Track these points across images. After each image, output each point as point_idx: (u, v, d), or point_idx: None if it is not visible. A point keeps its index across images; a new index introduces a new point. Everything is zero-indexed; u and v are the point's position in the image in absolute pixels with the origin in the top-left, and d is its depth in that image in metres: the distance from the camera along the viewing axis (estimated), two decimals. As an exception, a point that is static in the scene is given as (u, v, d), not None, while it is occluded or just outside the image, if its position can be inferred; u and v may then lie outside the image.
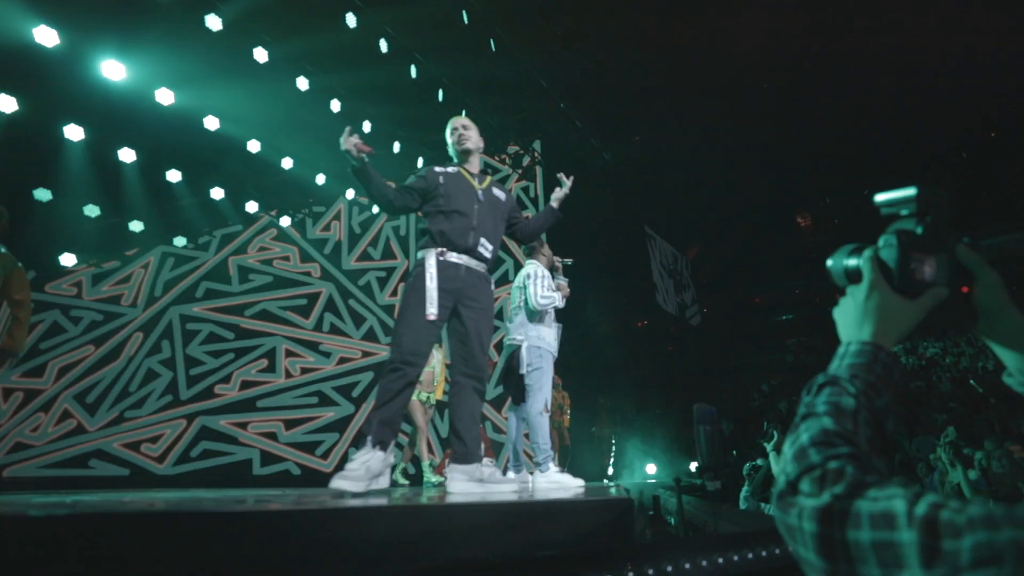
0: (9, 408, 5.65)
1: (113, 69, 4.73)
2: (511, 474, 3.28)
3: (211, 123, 5.51)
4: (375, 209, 7.02)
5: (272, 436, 6.21)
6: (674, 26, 8.52)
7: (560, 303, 3.27)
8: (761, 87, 10.22)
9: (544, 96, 6.82)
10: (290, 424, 6.25)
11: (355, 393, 6.51)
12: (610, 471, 7.79)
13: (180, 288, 6.52)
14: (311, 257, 6.95)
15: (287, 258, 6.91)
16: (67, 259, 6.02)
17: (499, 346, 4.96)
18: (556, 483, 2.90)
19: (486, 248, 2.28)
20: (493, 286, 2.33)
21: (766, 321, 15.40)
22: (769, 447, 3.30)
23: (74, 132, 5.17)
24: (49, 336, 5.96)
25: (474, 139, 2.48)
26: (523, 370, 3.14)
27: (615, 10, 7.82)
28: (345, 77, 5.66)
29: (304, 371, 6.50)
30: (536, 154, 7.53)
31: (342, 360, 6.61)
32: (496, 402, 6.61)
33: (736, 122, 10.27)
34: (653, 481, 6.85)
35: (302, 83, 5.47)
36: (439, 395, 4.80)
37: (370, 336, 6.77)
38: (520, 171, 7.55)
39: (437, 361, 4.76)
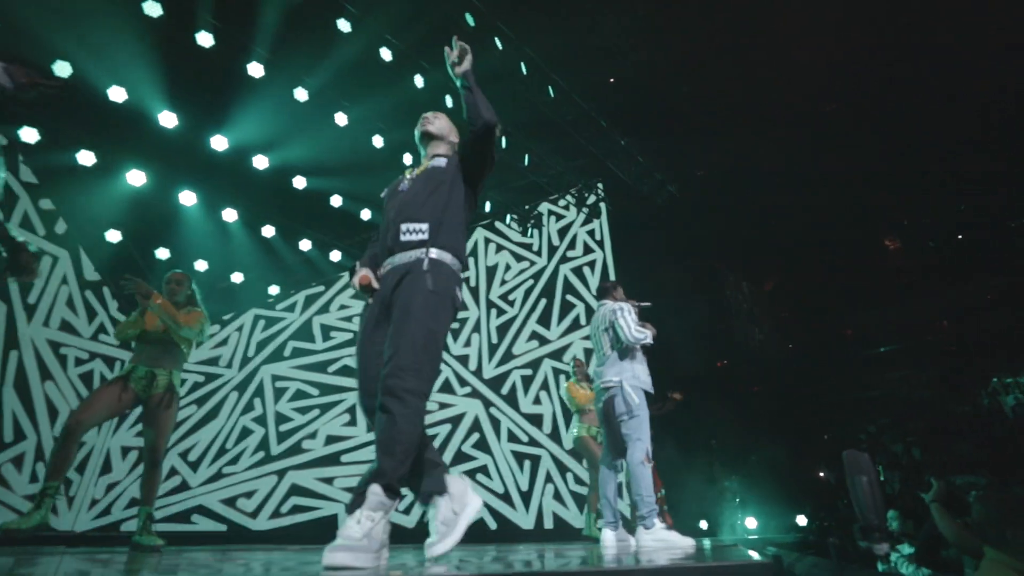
0: (126, 465, 6.11)
1: (219, 141, 5.39)
2: (607, 532, 3.06)
3: (299, 182, 6.08)
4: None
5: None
6: (733, 53, 8.44)
7: (650, 341, 3.15)
8: (831, 108, 9.83)
9: (604, 135, 6.91)
10: (373, 478, 6.33)
11: (434, 445, 6.52)
12: (703, 524, 7.23)
13: (270, 348, 6.93)
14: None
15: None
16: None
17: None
18: (663, 541, 2.68)
19: (410, 231, 1.82)
20: (427, 267, 1.76)
21: (860, 354, 14.15)
22: (928, 499, 2.80)
23: (187, 197, 5.84)
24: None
25: (438, 124, 2.20)
26: (633, 411, 2.98)
27: (670, 43, 7.88)
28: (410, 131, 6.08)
29: (384, 425, 6.62)
30: (599, 192, 7.56)
31: (420, 412, 6.69)
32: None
33: (808, 146, 9.87)
34: (754, 537, 6.27)
35: (378, 141, 5.97)
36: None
37: (446, 387, 6.83)
38: (586, 210, 7.57)
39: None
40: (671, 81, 8.37)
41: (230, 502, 6.18)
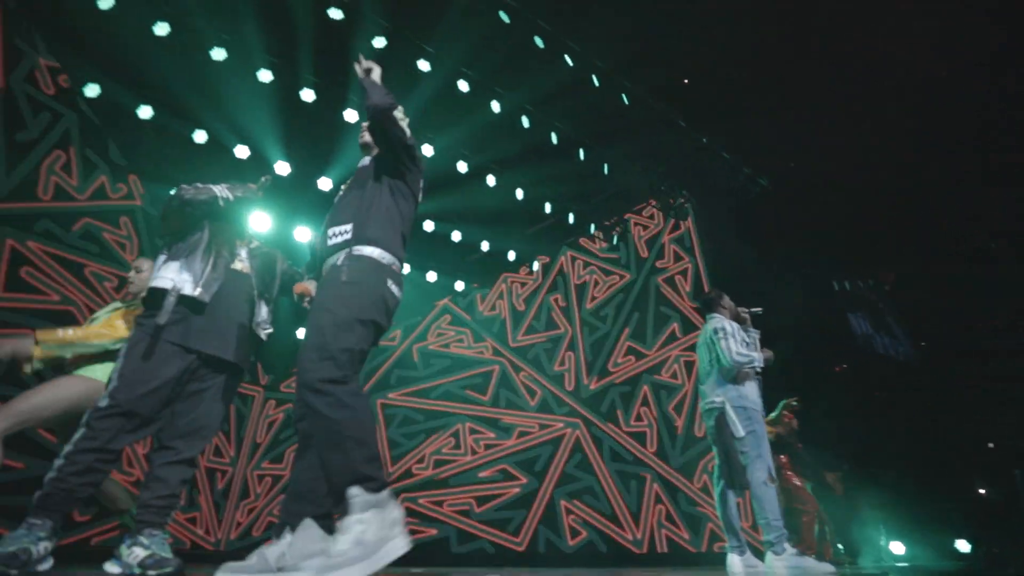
0: (263, 491, 6.73)
1: (324, 183, 6.04)
2: (734, 558, 2.88)
3: (428, 225, 6.77)
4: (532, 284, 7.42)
5: (465, 513, 6.44)
6: (817, 22, 7.83)
7: (760, 364, 2.96)
8: (943, 74, 8.77)
9: (684, 135, 6.70)
10: (481, 501, 6.46)
11: (536, 467, 6.54)
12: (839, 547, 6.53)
13: (378, 378, 7.37)
14: (482, 337, 7.42)
15: (461, 340, 7.46)
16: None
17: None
18: (798, 569, 2.47)
19: (335, 234, 1.86)
20: (342, 261, 1.76)
21: (1007, 350, 12.22)
22: None
23: (302, 233, 6.46)
24: (286, 427, 7.09)
25: (368, 136, 2.13)
26: (739, 434, 2.84)
27: (742, 31, 7.48)
28: (495, 153, 6.46)
29: (487, 447, 6.76)
30: (683, 195, 7.30)
31: (521, 434, 6.75)
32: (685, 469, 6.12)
33: (926, 116, 8.79)
34: (904, 564, 5.56)
35: (462, 166, 6.37)
36: None
37: (544, 408, 6.85)
38: (672, 215, 7.34)
39: None
40: (749, 71, 7.95)
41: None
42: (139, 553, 2.02)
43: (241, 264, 2.40)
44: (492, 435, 6.83)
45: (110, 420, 2.01)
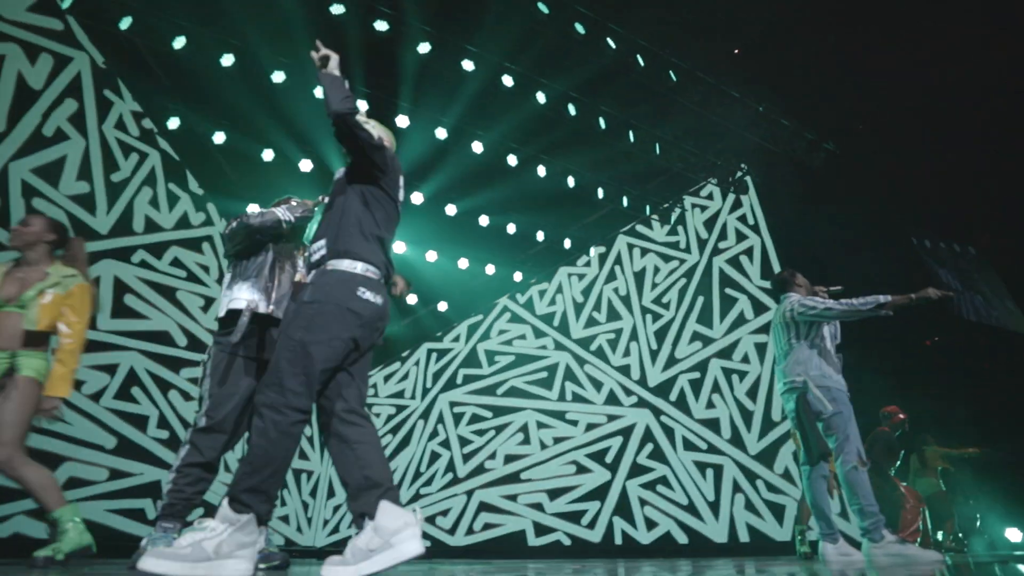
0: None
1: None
2: (827, 547, 2.74)
3: (483, 220, 7.01)
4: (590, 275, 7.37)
5: (539, 507, 6.50)
6: None
7: (833, 307, 2.80)
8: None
9: (738, 106, 6.41)
10: (554, 494, 6.49)
11: (608, 459, 6.50)
12: (938, 536, 6.07)
13: (444, 377, 7.57)
14: (543, 332, 7.44)
15: (523, 336, 7.52)
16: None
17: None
18: (900, 556, 2.33)
19: (314, 252, 1.86)
20: (311, 279, 1.78)
21: None
22: None
23: None
24: (361, 430, 7.42)
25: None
26: (826, 412, 2.70)
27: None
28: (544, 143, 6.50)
29: (556, 441, 6.78)
30: (743, 168, 6.99)
31: (589, 427, 6.73)
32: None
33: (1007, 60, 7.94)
34: (1022, 552, 5.09)
35: (512, 159, 6.55)
36: None
37: (611, 400, 6.79)
38: (732, 192, 7.04)
39: None
40: (800, 33, 7.46)
41: (430, 520, 6.80)
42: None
43: (301, 275, 2.58)
44: (560, 428, 6.85)
45: (210, 437, 2.29)
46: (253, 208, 2.62)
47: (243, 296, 2.41)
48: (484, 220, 7.01)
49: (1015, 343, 9.53)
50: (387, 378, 7.80)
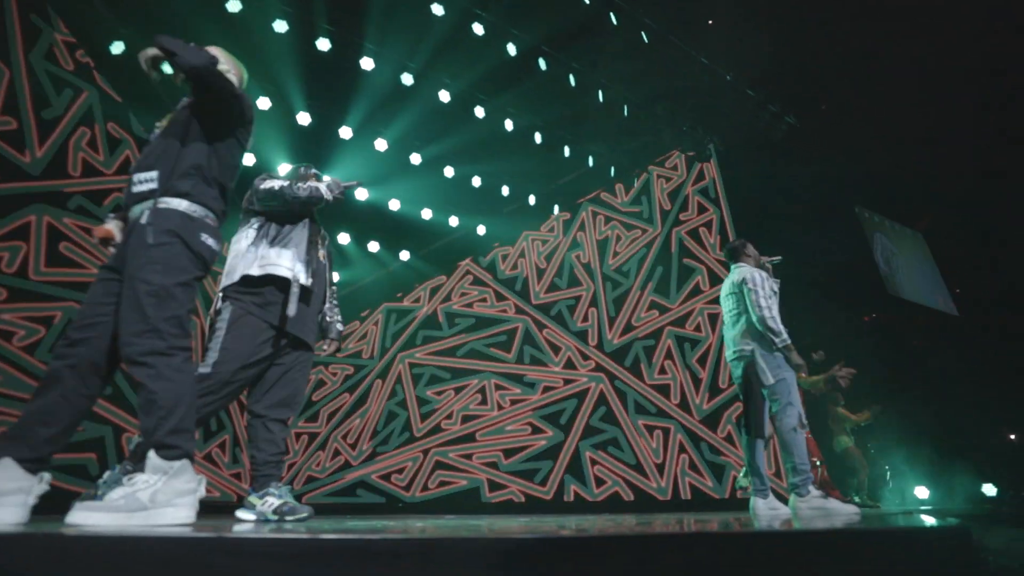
0: (300, 448, 7.07)
1: (361, 193, 6.03)
2: (758, 501, 2.96)
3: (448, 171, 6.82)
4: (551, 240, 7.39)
5: (494, 465, 6.68)
6: None
7: (783, 340, 2.94)
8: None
9: (706, 72, 6.45)
10: (508, 453, 6.67)
11: (562, 420, 6.69)
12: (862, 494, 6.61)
13: (404, 338, 7.54)
14: (504, 296, 7.48)
15: (484, 300, 7.54)
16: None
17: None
18: (821, 509, 2.53)
19: (140, 181, 1.74)
20: (147, 219, 1.65)
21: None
22: None
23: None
24: (318, 388, 7.36)
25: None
26: (768, 381, 2.85)
27: None
28: (543, 113, 6.45)
29: (513, 402, 6.92)
30: (708, 138, 7.08)
31: (546, 389, 6.89)
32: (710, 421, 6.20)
33: (963, 49, 8.23)
34: (928, 508, 5.62)
35: (479, 111, 6.36)
36: None
37: (568, 364, 6.94)
38: (696, 160, 7.13)
39: None
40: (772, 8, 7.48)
41: (386, 478, 6.89)
42: (273, 502, 2.28)
43: (323, 252, 2.60)
44: (518, 391, 6.98)
45: (202, 386, 2.18)
46: (277, 182, 2.53)
47: (284, 264, 2.35)
48: (449, 171, 6.89)
49: (943, 321, 10.20)
50: (345, 337, 7.71)
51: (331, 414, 7.28)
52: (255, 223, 2.48)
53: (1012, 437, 6.45)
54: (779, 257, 3.45)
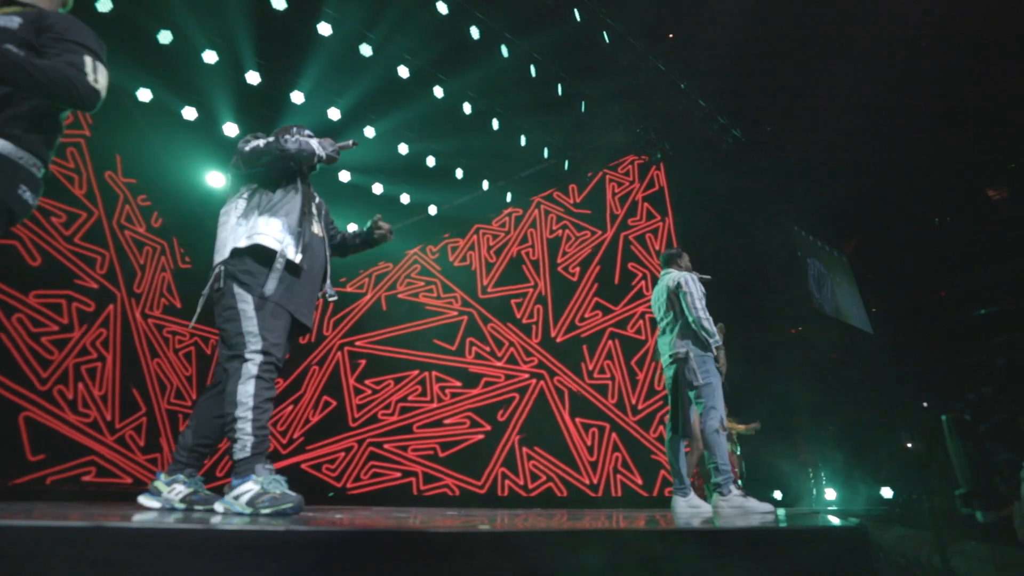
0: (226, 435, 6.74)
1: (296, 96, 5.86)
2: (678, 500, 3.06)
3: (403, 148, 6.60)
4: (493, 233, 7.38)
5: (430, 458, 6.62)
6: None
7: (716, 342, 3.04)
8: (923, 44, 8.82)
9: (663, 78, 6.64)
10: (445, 446, 6.62)
11: (501, 416, 6.71)
12: (777, 495, 7.03)
13: (345, 325, 7.33)
14: (452, 288, 7.41)
15: (431, 290, 7.44)
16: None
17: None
18: (740, 508, 2.65)
19: None
20: None
21: (959, 318, 12.95)
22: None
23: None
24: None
25: None
26: (697, 382, 2.94)
27: None
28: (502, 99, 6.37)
29: (453, 395, 6.88)
30: (659, 143, 7.29)
31: (487, 384, 6.88)
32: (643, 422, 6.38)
33: (895, 88, 8.92)
34: (834, 508, 6.04)
35: (438, 91, 6.19)
36: None
37: (511, 360, 6.97)
38: (655, 159, 7.32)
39: None
40: (739, 28, 7.80)
41: (317, 467, 6.69)
42: (181, 490, 2.09)
43: (318, 227, 2.33)
44: (459, 383, 6.94)
45: (273, 373, 2.04)
46: (261, 140, 2.25)
47: (271, 233, 2.11)
48: (404, 148, 6.75)
49: (859, 337, 10.99)
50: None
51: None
52: (245, 192, 2.24)
53: (909, 445, 7.08)
54: (708, 276, 3.58)
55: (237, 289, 2.08)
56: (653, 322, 6.80)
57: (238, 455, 1.93)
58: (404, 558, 0.87)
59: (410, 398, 6.92)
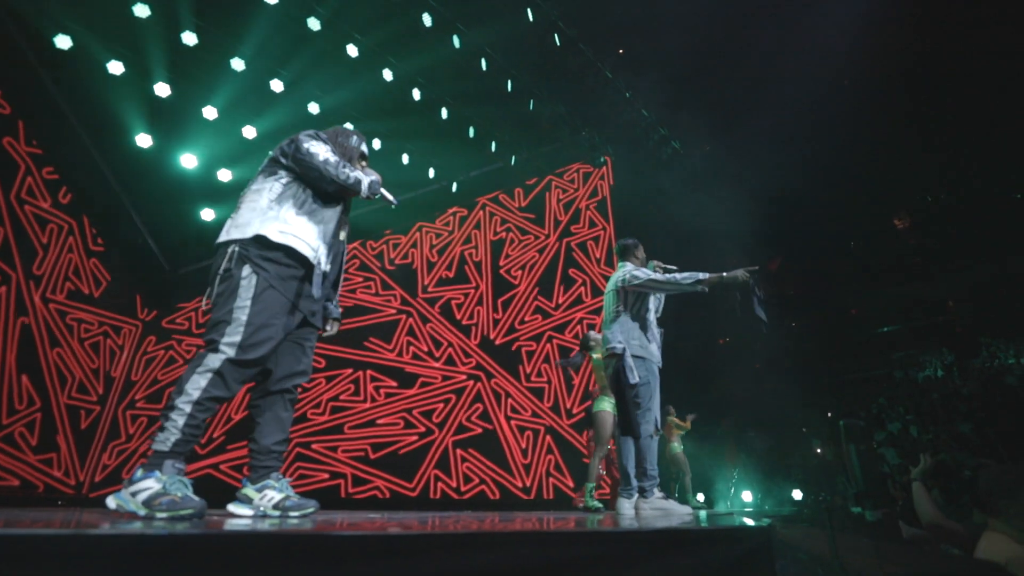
0: (136, 431, 6.23)
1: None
2: (624, 502, 3.02)
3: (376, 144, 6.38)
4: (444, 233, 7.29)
5: (361, 459, 6.40)
6: (744, 21, 8.16)
7: (691, 276, 3.04)
8: (845, 82, 9.58)
9: (609, 86, 6.83)
10: (377, 447, 6.43)
11: (435, 417, 6.60)
12: (700, 497, 7.34)
13: (275, 319, 6.97)
14: (391, 285, 7.23)
15: (369, 287, 7.23)
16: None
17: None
18: (661, 510, 2.70)
19: None
20: None
21: (866, 334, 14.10)
22: (915, 474, 2.75)
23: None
24: (167, 365, 6.54)
25: None
26: (632, 380, 2.90)
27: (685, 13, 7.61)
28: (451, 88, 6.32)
29: (388, 396, 6.70)
30: (605, 151, 7.46)
31: (423, 384, 6.75)
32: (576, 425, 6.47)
33: (819, 121, 9.64)
34: (749, 510, 6.38)
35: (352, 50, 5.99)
36: None
37: (449, 360, 6.88)
38: (599, 164, 7.46)
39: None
40: (689, 44, 8.12)
41: (237, 468, 6.30)
42: (273, 496, 1.99)
43: (344, 233, 2.32)
44: (394, 383, 6.77)
45: (239, 372, 1.91)
46: (327, 154, 2.12)
47: (305, 238, 2.03)
48: (377, 143, 6.55)
49: (780, 347, 11.69)
50: (206, 313, 6.95)
51: (179, 396, 6.51)
52: (283, 177, 2.15)
53: (819, 451, 7.61)
54: (675, 267, 3.60)
55: (247, 271, 1.96)
56: (591, 328, 6.93)
57: (156, 445, 1.81)
58: (296, 566, 0.81)
59: (342, 397, 6.68)
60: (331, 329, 2.44)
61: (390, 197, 2.35)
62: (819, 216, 12.07)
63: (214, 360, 1.89)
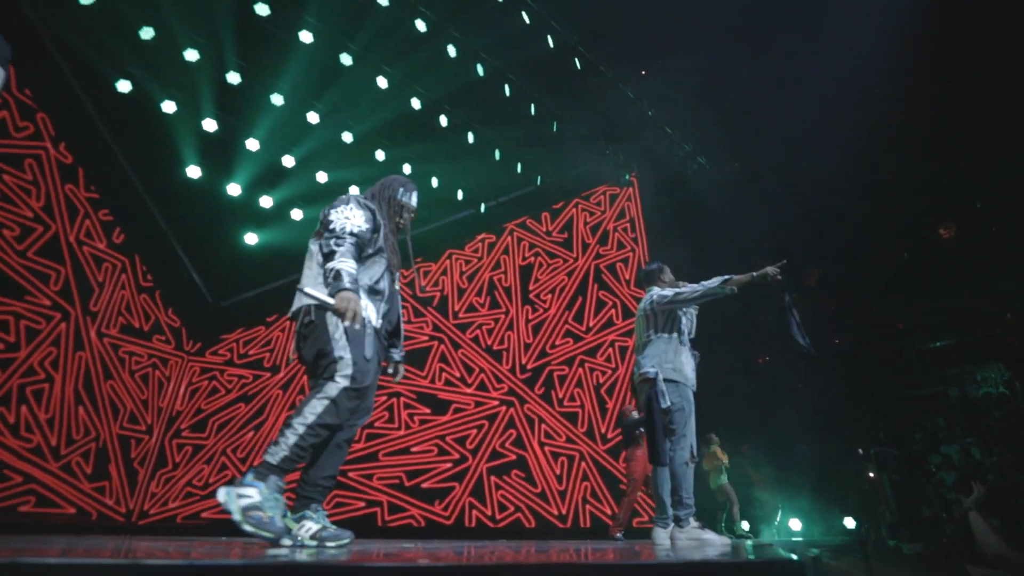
0: (182, 460, 6.44)
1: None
2: (660, 531, 2.92)
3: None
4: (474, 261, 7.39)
5: (396, 487, 6.44)
6: (767, 29, 8.07)
7: (713, 283, 2.96)
8: (877, 89, 9.34)
9: (632, 106, 6.87)
10: (412, 475, 6.46)
11: (470, 444, 6.60)
12: (745, 526, 7.04)
13: (312, 348, 7.16)
14: (423, 312, 7.35)
15: (402, 314, 7.36)
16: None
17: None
18: (698, 540, 2.62)
19: None
20: None
21: (914, 350, 13.42)
22: (969, 503, 2.58)
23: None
24: (211, 395, 6.79)
25: None
26: (664, 404, 2.83)
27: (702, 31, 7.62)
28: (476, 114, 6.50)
29: (422, 422, 6.75)
30: (620, 158, 7.47)
31: (456, 411, 6.78)
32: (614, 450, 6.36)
33: (855, 129, 9.35)
34: (798, 539, 6.07)
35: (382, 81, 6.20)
36: None
37: (481, 386, 6.90)
38: (626, 182, 7.46)
39: None
40: (708, 61, 8.11)
41: (277, 496, 6.43)
42: (311, 527, 2.06)
43: (399, 284, 2.45)
44: (427, 410, 6.82)
45: (351, 401, 2.03)
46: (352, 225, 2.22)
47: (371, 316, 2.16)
48: (407, 168, 6.76)
49: (822, 366, 11.24)
50: (247, 343, 7.20)
51: (221, 425, 6.72)
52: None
53: (872, 475, 7.22)
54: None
55: (331, 317, 2.07)
56: (623, 351, 6.86)
57: (267, 456, 1.94)
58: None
59: (376, 424, 6.76)
60: (395, 373, 2.54)
61: (404, 274, 2.43)
62: (859, 226, 11.67)
63: (332, 389, 2.00)
